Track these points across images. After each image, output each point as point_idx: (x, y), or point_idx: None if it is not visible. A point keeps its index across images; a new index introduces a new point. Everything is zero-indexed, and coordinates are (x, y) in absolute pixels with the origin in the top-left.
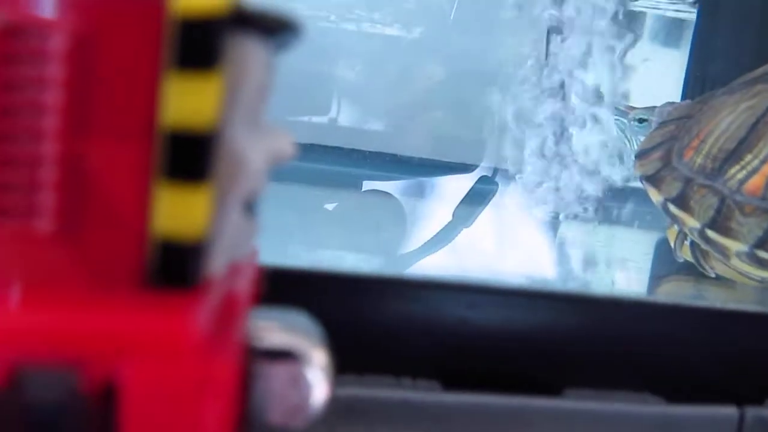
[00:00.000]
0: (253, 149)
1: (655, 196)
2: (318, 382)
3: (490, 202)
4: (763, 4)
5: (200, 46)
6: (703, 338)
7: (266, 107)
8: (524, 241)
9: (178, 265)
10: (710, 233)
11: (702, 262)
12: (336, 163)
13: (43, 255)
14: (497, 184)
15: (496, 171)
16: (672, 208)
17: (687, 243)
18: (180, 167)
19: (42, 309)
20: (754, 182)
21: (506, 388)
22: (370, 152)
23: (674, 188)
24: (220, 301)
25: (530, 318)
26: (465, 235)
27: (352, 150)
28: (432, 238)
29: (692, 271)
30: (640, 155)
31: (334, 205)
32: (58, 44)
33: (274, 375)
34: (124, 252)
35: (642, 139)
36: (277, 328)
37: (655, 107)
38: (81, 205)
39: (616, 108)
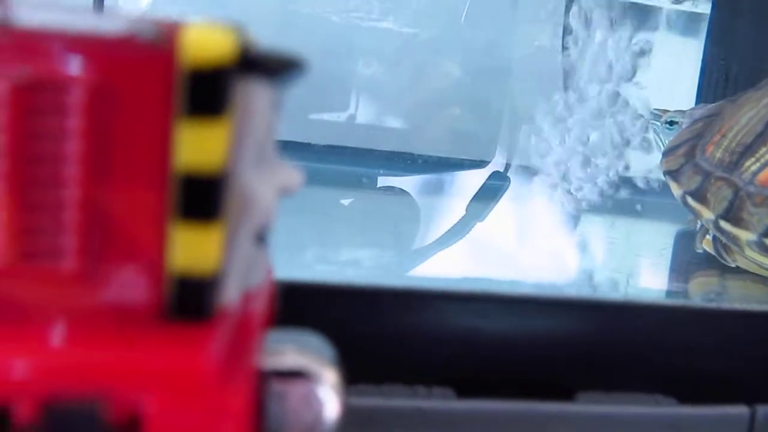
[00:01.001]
0: (261, 185)
1: (676, 190)
2: (330, 400)
3: (506, 197)
4: None
5: (209, 95)
6: (713, 338)
7: (273, 143)
8: (541, 237)
9: (193, 299)
10: (723, 224)
11: (723, 254)
12: (351, 163)
13: (68, 294)
14: (509, 180)
15: (508, 166)
16: (690, 200)
17: (709, 237)
18: (193, 208)
19: (68, 346)
20: (766, 173)
21: (519, 393)
22: (384, 150)
23: (694, 182)
24: (234, 329)
25: (540, 324)
26: (481, 232)
27: (368, 149)
28: (446, 232)
29: (716, 265)
30: (667, 153)
31: (350, 201)
32: (77, 97)
33: (289, 395)
34: (143, 288)
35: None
36: (290, 350)
37: (685, 110)
38: (102, 246)
39: (651, 112)
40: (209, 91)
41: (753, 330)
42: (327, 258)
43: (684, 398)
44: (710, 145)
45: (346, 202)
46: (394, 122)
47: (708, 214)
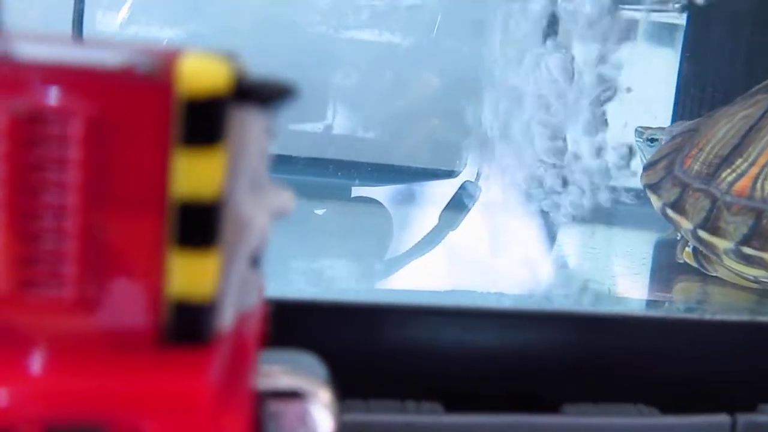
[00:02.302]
0: (256, 210)
1: (656, 202)
2: (324, 419)
3: (478, 206)
4: (753, 7)
5: (205, 125)
6: (694, 348)
7: (267, 168)
8: (518, 246)
9: (191, 325)
10: (702, 233)
11: (705, 264)
12: (325, 174)
13: (68, 321)
14: (480, 188)
15: (479, 175)
16: (669, 212)
17: (689, 249)
18: (190, 235)
19: (70, 372)
20: (742, 184)
21: (506, 406)
22: (360, 161)
23: (673, 194)
24: (230, 351)
25: (526, 338)
26: (455, 241)
27: (344, 160)
28: (419, 242)
29: (695, 273)
30: (647, 167)
31: (323, 211)
32: (75, 128)
33: (284, 414)
34: (141, 314)
35: None
36: (284, 370)
37: (665, 128)
38: (101, 273)
39: (636, 129)
40: (205, 120)
41: (733, 340)
42: (299, 269)
43: (666, 408)
44: (688, 158)
45: (319, 212)
46: (370, 133)
47: (687, 225)
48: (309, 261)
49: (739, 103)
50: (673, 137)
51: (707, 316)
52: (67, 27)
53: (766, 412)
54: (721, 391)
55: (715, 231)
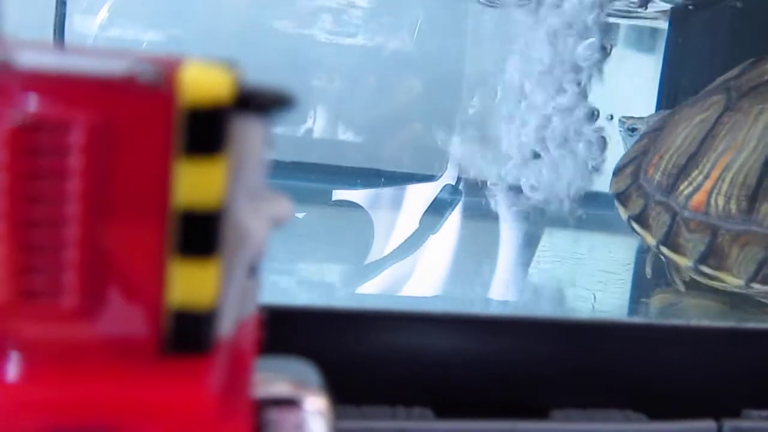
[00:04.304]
0: (255, 218)
1: (623, 214)
2: (320, 426)
3: (460, 210)
4: (732, 11)
5: (207, 134)
6: (681, 355)
7: (264, 176)
8: (502, 252)
9: (191, 334)
10: (664, 250)
11: (674, 276)
12: (307, 178)
13: (68, 330)
14: (461, 193)
15: (459, 179)
16: (635, 225)
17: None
18: (191, 244)
19: (69, 382)
20: (698, 198)
21: (496, 412)
22: (341, 165)
23: (637, 206)
24: (230, 360)
25: (515, 344)
26: (435, 245)
27: (323, 163)
28: (400, 245)
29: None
30: (616, 172)
31: (303, 215)
32: (77, 137)
33: (281, 421)
34: (142, 323)
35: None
36: (281, 378)
37: (643, 118)
38: (102, 282)
39: (619, 119)
40: (207, 129)
41: (719, 346)
42: (279, 272)
43: (654, 414)
44: (651, 166)
45: (300, 216)
46: (351, 137)
47: (651, 240)
48: (289, 264)
49: (698, 104)
50: (642, 136)
51: (693, 323)
52: (48, 30)
53: (751, 417)
54: (707, 397)
55: (676, 248)
